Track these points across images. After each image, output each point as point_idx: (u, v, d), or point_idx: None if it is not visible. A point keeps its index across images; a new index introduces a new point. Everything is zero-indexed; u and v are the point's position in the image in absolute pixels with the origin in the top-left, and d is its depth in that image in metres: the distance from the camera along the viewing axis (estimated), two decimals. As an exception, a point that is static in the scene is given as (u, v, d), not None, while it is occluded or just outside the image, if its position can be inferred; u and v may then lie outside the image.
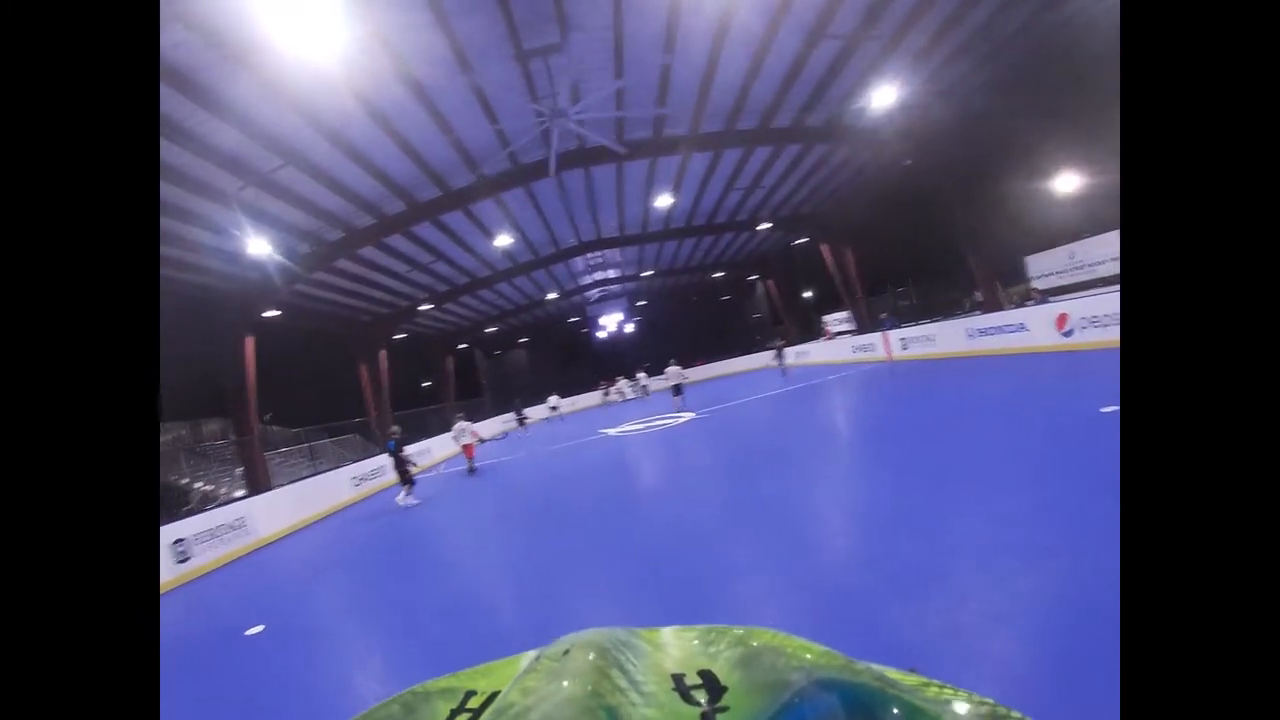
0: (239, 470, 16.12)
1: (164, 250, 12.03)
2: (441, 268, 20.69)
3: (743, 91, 13.07)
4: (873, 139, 15.50)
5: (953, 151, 15.59)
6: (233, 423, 16.08)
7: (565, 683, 0.55)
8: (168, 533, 9.22)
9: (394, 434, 13.33)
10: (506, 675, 0.69)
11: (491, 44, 9.59)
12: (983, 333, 14.46)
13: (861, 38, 11.31)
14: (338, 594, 7.40)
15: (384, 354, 23.17)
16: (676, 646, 0.70)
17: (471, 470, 15.83)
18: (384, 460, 18.60)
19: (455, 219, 16.81)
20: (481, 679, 0.72)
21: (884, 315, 20.82)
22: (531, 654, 0.73)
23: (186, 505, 14.12)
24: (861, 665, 0.55)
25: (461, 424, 16.49)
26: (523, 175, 14.96)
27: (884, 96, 13.02)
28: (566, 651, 0.64)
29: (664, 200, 19.28)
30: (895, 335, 19.12)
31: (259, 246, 11.56)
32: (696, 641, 0.70)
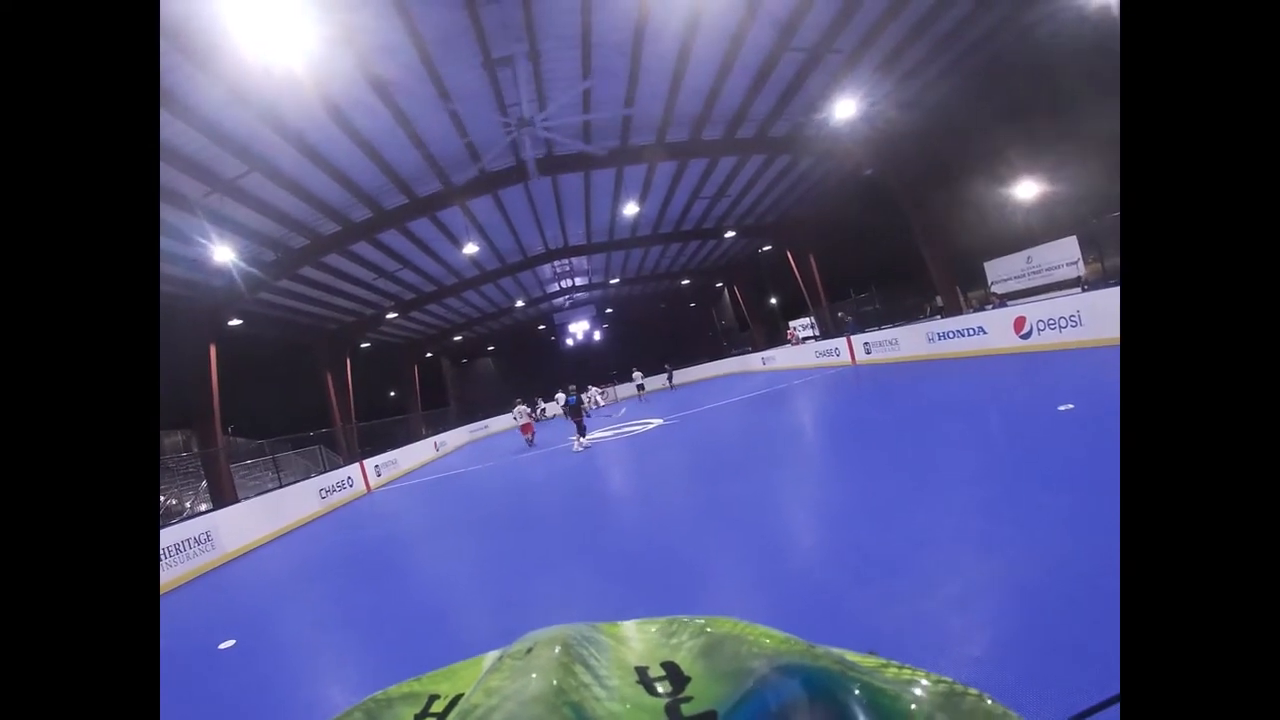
0: (203, 484, 15.66)
1: None
2: (408, 275, 20.50)
3: (708, 102, 13.35)
4: (835, 148, 15.92)
5: (913, 160, 16.12)
6: (196, 434, 15.66)
7: (529, 681, 0.55)
8: None
9: (572, 390, 16.99)
10: (470, 677, 0.69)
11: (460, 52, 9.66)
12: (943, 336, 14.85)
13: (824, 51, 11.67)
14: (360, 605, 7.30)
15: (349, 363, 22.82)
16: (639, 639, 0.70)
17: (530, 443, 19.26)
18: (350, 472, 18.38)
19: (422, 226, 16.71)
20: (444, 682, 0.71)
21: (845, 317, 21.16)
22: (494, 654, 0.72)
23: None
24: (821, 649, 0.56)
25: (520, 407, 20.18)
26: (490, 183, 14.97)
27: (845, 108, 13.43)
28: (529, 650, 0.64)
29: (631, 208, 19.42)
30: (859, 340, 19.42)
31: (223, 253, 11.36)
32: (658, 633, 0.71)
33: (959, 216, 15.80)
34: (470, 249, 19.11)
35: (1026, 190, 14.86)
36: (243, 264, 12.48)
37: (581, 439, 15.24)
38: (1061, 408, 6.88)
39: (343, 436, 22.18)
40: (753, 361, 30.35)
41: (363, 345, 24.65)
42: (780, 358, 27.14)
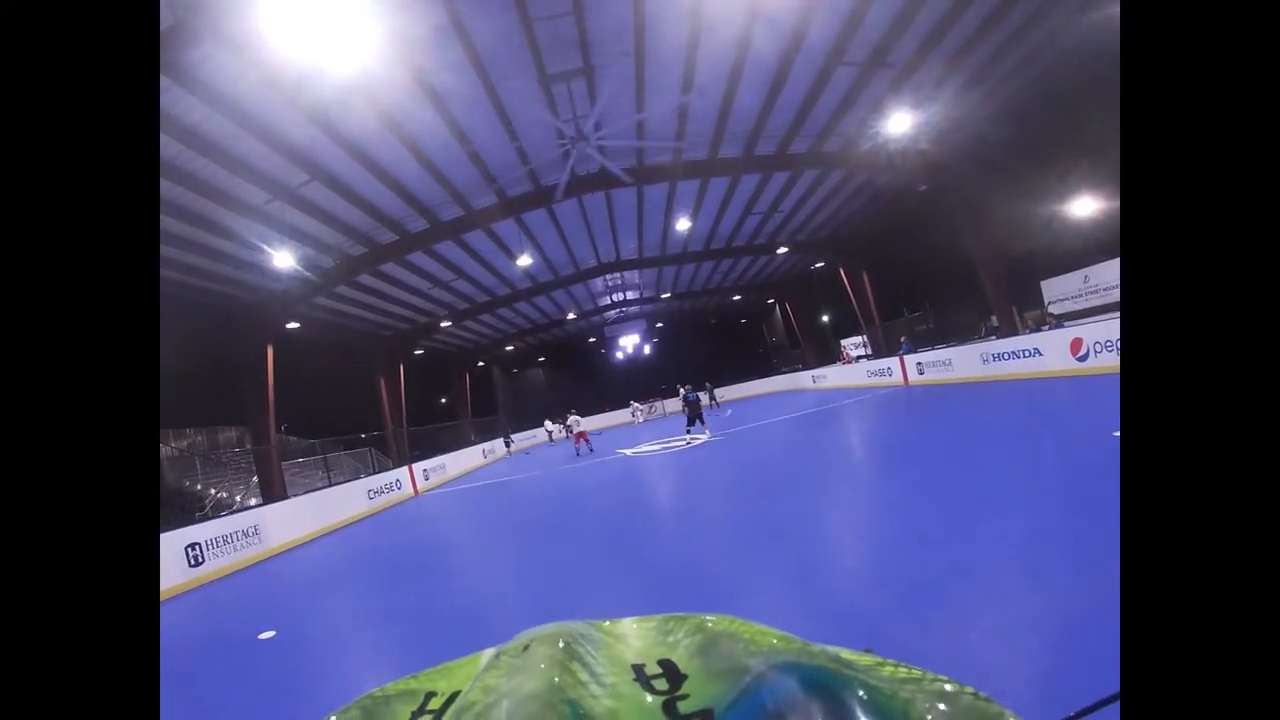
0: (254, 479, 16.29)
1: (192, 260, 12.43)
2: (462, 285, 21.02)
3: (760, 117, 13.29)
4: (888, 164, 15.60)
5: (967, 176, 15.63)
6: (250, 430, 16.34)
7: (526, 679, 0.55)
8: (182, 536, 9.38)
9: (689, 388, 19.67)
10: (466, 674, 0.69)
11: (517, 66, 9.89)
12: (998, 358, 14.33)
13: (875, 65, 11.47)
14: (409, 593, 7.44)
15: (402, 369, 23.47)
16: (636, 637, 0.70)
17: (591, 449, 20.23)
18: (399, 474, 18.88)
19: (477, 238, 17.11)
20: (441, 679, 0.71)
21: (902, 339, 20.72)
22: (491, 651, 0.72)
23: (201, 510, 14.29)
24: (818, 647, 0.56)
25: (574, 418, 21.19)
26: (544, 197, 15.24)
27: (899, 123, 13.14)
28: (526, 647, 0.64)
29: (683, 223, 19.47)
30: (912, 360, 19.01)
31: (283, 259, 11.87)
32: (655, 631, 0.70)
33: (1015, 233, 15.20)
34: (524, 261, 19.49)
35: (1084, 207, 14.18)
36: (302, 269, 13.00)
37: (704, 432, 17.54)
38: (1116, 434, 6.51)
39: (393, 440, 22.76)
40: (803, 379, 29.84)
41: (416, 352, 25.33)
42: (831, 376, 26.62)
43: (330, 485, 15.87)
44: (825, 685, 0.47)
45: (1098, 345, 11.04)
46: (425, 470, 20.91)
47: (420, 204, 13.82)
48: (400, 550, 10.12)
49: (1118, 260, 12.95)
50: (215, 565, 9.78)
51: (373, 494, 17.09)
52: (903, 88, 12.41)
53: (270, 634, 6.25)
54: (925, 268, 20.51)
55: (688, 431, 18.39)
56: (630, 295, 31.10)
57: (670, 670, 0.58)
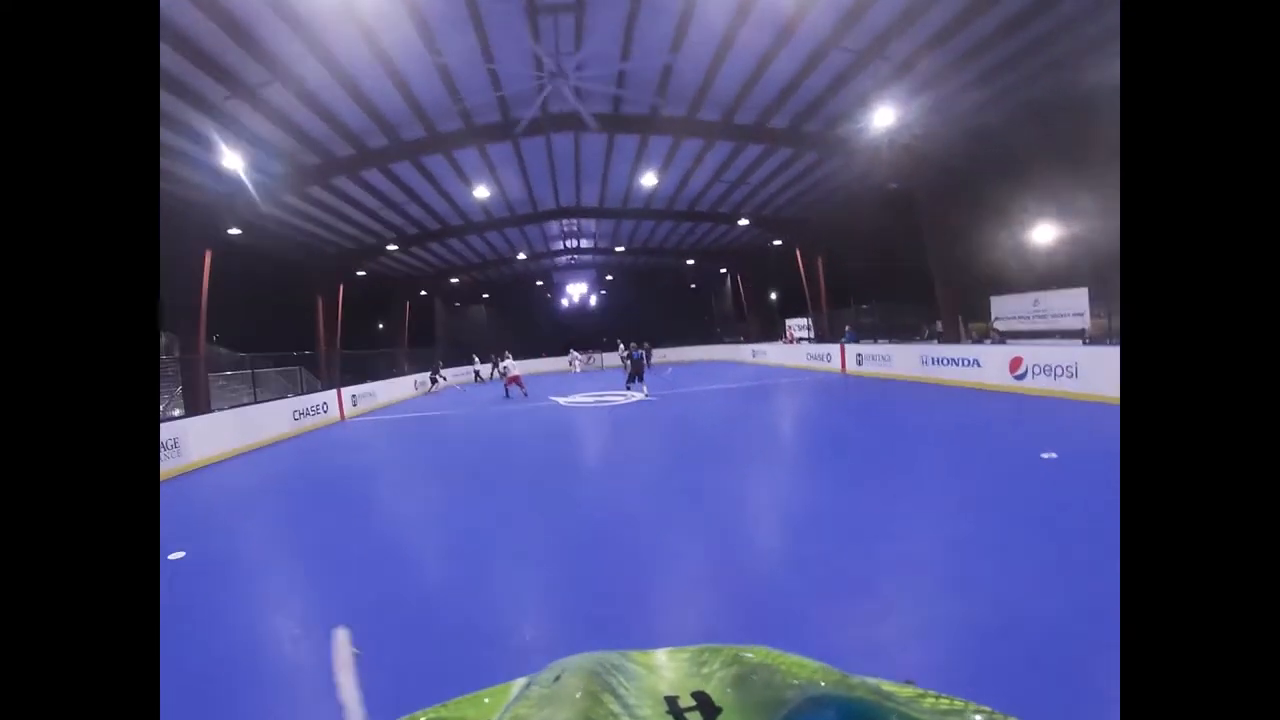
0: (178, 389, 15.46)
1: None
2: (414, 210, 20.18)
3: (745, 87, 13.12)
4: (864, 156, 15.73)
5: (940, 181, 15.96)
6: (179, 338, 15.43)
7: (557, 710, 0.54)
8: None
9: (646, 347, 19.10)
10: (496, 704, 0.67)
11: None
12: (938, 361, 14.89)
13: (872, 56, 11.43)
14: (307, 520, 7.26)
15: (342, 289, 22.55)
16: (669, 668, 0.69)
17: (525, 394, 20.37)
18: (327, 397, 18.31)
19: (436, 162, 16.39)
20: (470, 709, 0.69)
21: (847, 328, 21.27)
22: (521, 681, 0.71)
23: None
24: (857, 679, 0.55)
25: (508, 362, 21.83)
26: (510, 129, 14.65)
27: (884, 117, 13.22)
28: (557, 678, 0.63)
29: (649, 179, 19.21)
30: (853, 349, 19.59)
31: (233, 161, 11.07)
32: (689, 662, 0.69)
33: (975, 246, 15.70)
34: (481, 193, 18.88)
35: (1044, 234, 14.79)
36: (252, 174, 12.16)
37: (642, 389, 17.94)
38: (1044, 455, 6.93)
39: (325, 361, 21.99)
40: (743, 352, 30.39)
41: (359, 273, 24.34)
42: (772, 353, 27.20)
43: (256, 402, 15.27)
44: (865, 717, 0.46)
45: (1036, 367, 11.59)
46: (354, 396, 20.34)
47: (383, 119, 13.06)
48: (319, 477, 9.89)
49: (1068, 290, 13.63)
50: (127, 475, 9.26)
51: (298, 415, 16.54)
52: (895, 83, 12.43)
53: (180, 555, 6.04)
54: (880, 263, 21.02)
55: (627, 387, 18.63)
56: (584, 243, 30.69)
57: (704, 703, 0.56)
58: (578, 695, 0.56)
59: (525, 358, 33.96)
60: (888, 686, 0.57)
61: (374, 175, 16.23)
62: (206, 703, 3.31)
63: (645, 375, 19.22)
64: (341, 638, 1.35)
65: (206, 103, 10.43)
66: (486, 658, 3.44)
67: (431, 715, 0.67)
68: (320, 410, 17.87)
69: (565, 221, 25.58)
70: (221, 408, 13.93)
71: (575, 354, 33.08)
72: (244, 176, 12.11)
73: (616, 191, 21.46)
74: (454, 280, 33.04)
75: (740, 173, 19.12)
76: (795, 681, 0.56)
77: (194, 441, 11.37)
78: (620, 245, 31.27)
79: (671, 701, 0.57)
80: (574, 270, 37.20)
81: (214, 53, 9.37)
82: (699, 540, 5.41)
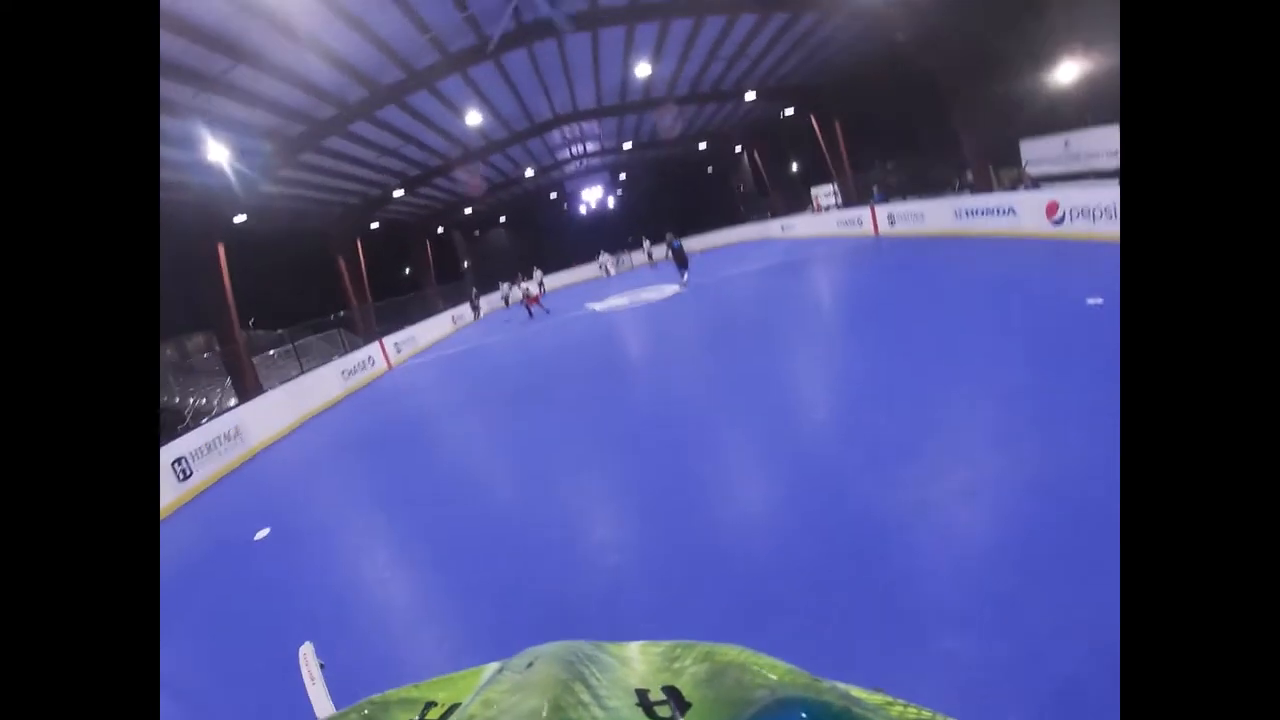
0: (228, 381, 16.07)
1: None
2: (411, 151, 19.61)
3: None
4: (865, 10, 14.30)
5: (950, 26, 14.41)
6: (216, 333, 15.84)
7: (527, 695, 0.54)
8: (167, 453, 9.20)
9: (673, 237, 19.64)
10: (468, 687, 0.68)
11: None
12: (971, 213, 14.20)
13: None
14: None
15: (360, 244, 22.53)
16: (641, 661, 0.69)
17: (547, 311, 21.19)
18: (371, 351, 18.81)
19: (422, 99, 15.71)
20: (442, 690, 0.70)
21: (874, 189, 20.34)
22: (494, 666, 0.72)
23: (181, 423, 14.18)
24: (827, 684, 0.55)
25: (526, 284, 23.24)
26: (486, 49, 13.84)
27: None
28: (530, 664, 0.63)
29: (643, 69, 18.05)
30: (883, 210, 18.86)
31: (219, 152, 10.86)
32: (661, 657, 0.69)
33: (996, 90, 14.36)
34: (474, 119, 18.15)
35: (1069, 72, 13.36)
36: (240, 160, 11.94)
37: (684, 279, 18.52)
38: (1090, 301, 6.67)
39: (359, 317, 22.37)
40: (771, 228, 29.55)
41: (372, 225, 24.17)
42: (800, 225, 26.40)
43: (304, 372, 15.77)
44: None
45: (1073, 210, 10.92)
46: (396, 344, 20.83)
47: (357, 71, 12.45)
48: (380, 428, 10.32)
49: (1100, 130, 12.53)
50: (203, 475, 9.83)
51: (346, 374, 17.06)
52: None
53: (265, 532, 6.46)
54: (901, 119, 19.63)
55: (682, 277, 18.87)
56: (590, 147, 29.55)
57: (675, 697, 0.57)
58: (549, 683, 0.56)
59: (556, 270, 34.03)
60: (857, 693, 0.57)
61: (363, 127, 15.71)
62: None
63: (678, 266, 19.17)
64: (306, 652, 1.38)
65: (178, 106, 10.15)
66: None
67: (403, 694, 0.69)
68: (367, 365, 18.41)
69: (566, 129, 24.58)
70: (272, 386, 14.43)
71: (605, 256, 32.85)
72: (234, 164, 11.89)
73: (612, 88, 20.32)
74: (468, 210, 32.57)
75: (737, 46, 17.73)
76: (764, 683, 0.56)
77: (253, 426, 11.87)
78: (627, 142, 29.97)
79: (642, 695, 0.58)
80: (586, 176, 36.05)
81: (171, 57, 9.01)
82: (752, 420, 5.64)
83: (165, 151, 11.21)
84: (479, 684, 0.64)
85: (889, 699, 0.56)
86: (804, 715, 0.46)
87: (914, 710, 0.53)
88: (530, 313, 21.79)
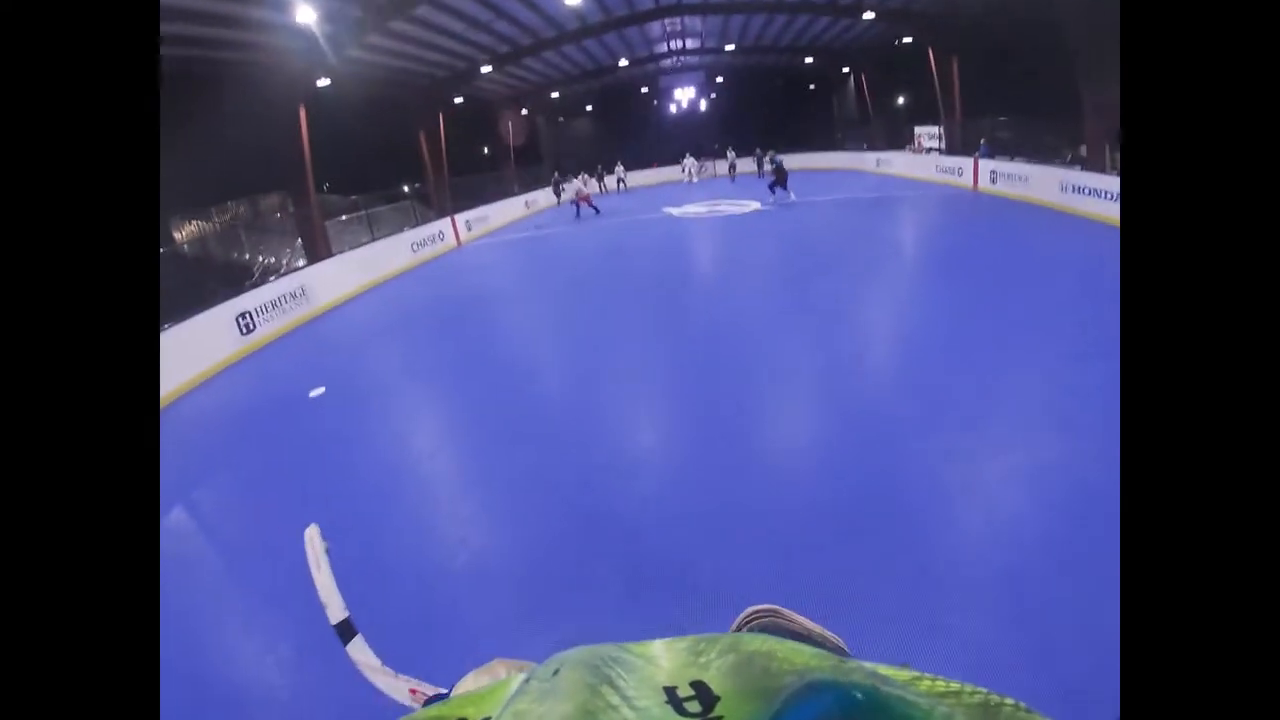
0: (299, 242, 16.65)
1: (211, 32, 11.34)
2: (503, 27, 18.94)
3: None
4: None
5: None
6: (291, 195, 16.24)
7: (557, 703, 0.53)
8: (232, 307, 9.73)
9: (772, 153, 20.82)
10: (496, 700, 0.67)
11: None
12: (1079, 190, 12.99)
13: None
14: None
15: (442, 118, 22.35)
16: (667, 658, 0.68)
17: (597, 211, 21.71)
18: (442, 226, 19.14)
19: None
20: (470, 706, 0.68)
21: (982, 141, 18.89)
22: (520, 676, 0.71)
23: (250, 279, 14.91)
24: (853, 664, 0.56)
25: (580, 179, 24.50)
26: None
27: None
28: (556, 671, 0.63)
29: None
30: (986, 165, 17.59)
31: (305, 14, 10.77)
32: (686, 652, 0.68)
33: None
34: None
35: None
36: (327, 23, 11.80)
37: (789, 195, 18.40)
38: None
39: (435, 192, 22.58)
40: (866, 160, 27.82)
41: (456, 100, 23.83)
42: (897, 163, 24.85)
43: (373, 240, 16.22)
44: (861, 702, 0.46)
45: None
46: (468, 221, 21.11)
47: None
48: (443, 302, 10.64)
49: None
50: (265, 330, 10.44)
51: (416, 246, 17.48)
52: None
53: (320, 391, 6.92)
54: (1025, 75, 17.67)
55: (772, 193, 18.82)
56: (690, 44, 27.86)
57: (703, 692, 0.56)
58: (577, 689, 0.55)
59: (636, 169, 33.24)
60: (884, 670, 0.57)
61: (456, -2, 15.23)
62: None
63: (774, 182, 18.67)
64: (312, 535, 1.35)
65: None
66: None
67: (433, 713, 0.69)
68: (437, 239, 18.81)
69: (668, 20, 23.24)
70: (341, 251, 14.94)
71: (690, 160, 31.83)
72: (321, 26, 11.79)
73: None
74: (554, 95, 31.64)
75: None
76: (791, 669, 0.56)
77: (320, 287, 12.44)
78: (730, 44, 28.15)
79: (670, 692, 0.57)
80: (681, 74, 34.25)
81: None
82: (812, 353, 5.81)
83: (253, 11, 11.18)
84: (506, 696, 0.62)
85: (916, 674, 0.55)
86: (833, 697, 0.46)
87: (942, 683, 0.52)
88: (578, 212, 21.57)
